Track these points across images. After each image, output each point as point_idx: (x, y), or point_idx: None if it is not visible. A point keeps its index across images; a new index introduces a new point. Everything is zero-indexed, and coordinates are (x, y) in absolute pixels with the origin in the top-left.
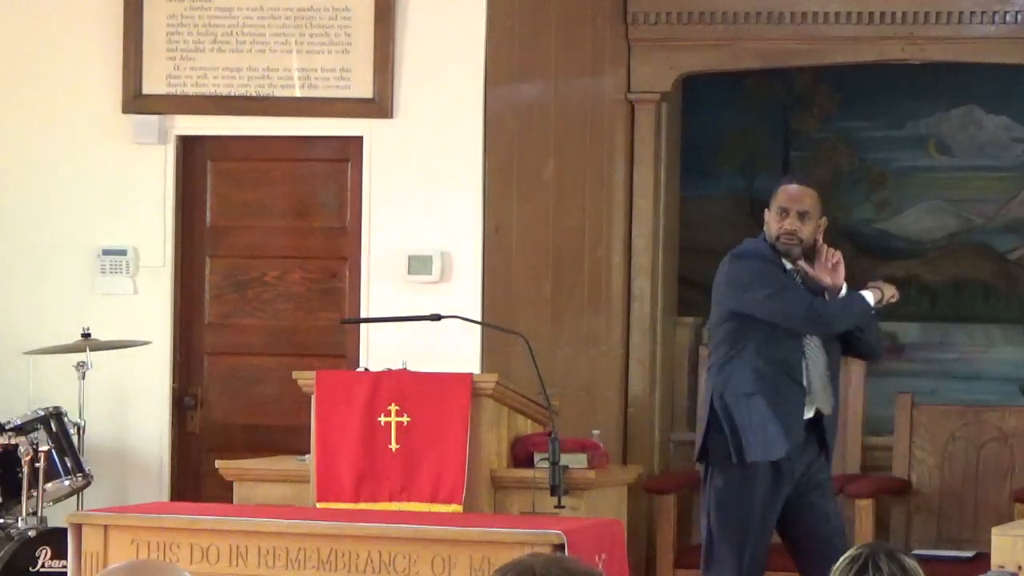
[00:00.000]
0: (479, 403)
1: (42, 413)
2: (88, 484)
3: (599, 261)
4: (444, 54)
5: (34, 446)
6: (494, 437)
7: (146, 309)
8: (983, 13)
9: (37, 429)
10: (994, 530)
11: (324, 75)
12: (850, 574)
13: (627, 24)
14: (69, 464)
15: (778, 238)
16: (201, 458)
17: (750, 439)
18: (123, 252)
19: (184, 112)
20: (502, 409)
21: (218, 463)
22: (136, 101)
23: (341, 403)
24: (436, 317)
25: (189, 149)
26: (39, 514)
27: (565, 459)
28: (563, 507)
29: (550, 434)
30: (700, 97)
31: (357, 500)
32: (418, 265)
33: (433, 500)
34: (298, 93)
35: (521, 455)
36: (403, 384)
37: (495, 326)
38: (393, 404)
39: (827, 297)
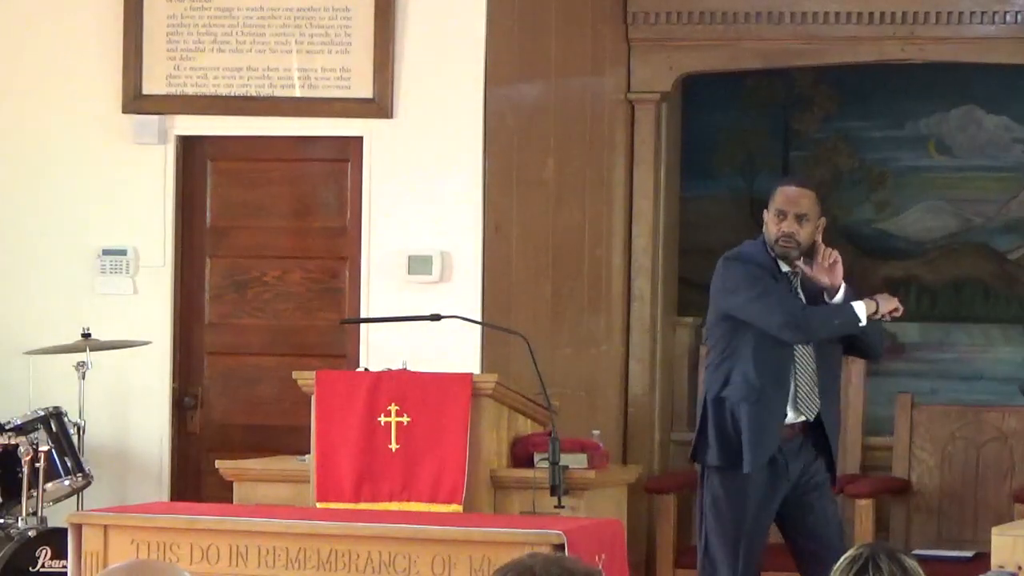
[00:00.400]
0: (479, 403)
1: (42, 413)
2: (88, 484)
3: (599, 261)
4: (444, 54)
5: (34, 446)
6: (494, 437)
7: (146, 309)
8: (983, 13)
9: (37, 429)
10: (994, 530)
11: (324, 75)
12: (850, 574)
13: (627, 24)
14: (69, 464)
15: (777, 241)
16: (201, 458)
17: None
18: (123, 252)
19: (184, 112)
20: (502, 409)
21: (218, 463)
22: (136, 101)
23: (341, 403)
24: (436, 317)
25: (189, 149)
26: (39, 514)
27: (565, 459)
28: (563, 507)
29: (550, 434)
30: (700, 97)
31: (357, 500)
32: (418, 265)
33: (433, 500)
34: (298, 93)
35: (521, 455)
36: (403, 384)
37: (495, 326)
38: (393, 404)
39: (826, 297)
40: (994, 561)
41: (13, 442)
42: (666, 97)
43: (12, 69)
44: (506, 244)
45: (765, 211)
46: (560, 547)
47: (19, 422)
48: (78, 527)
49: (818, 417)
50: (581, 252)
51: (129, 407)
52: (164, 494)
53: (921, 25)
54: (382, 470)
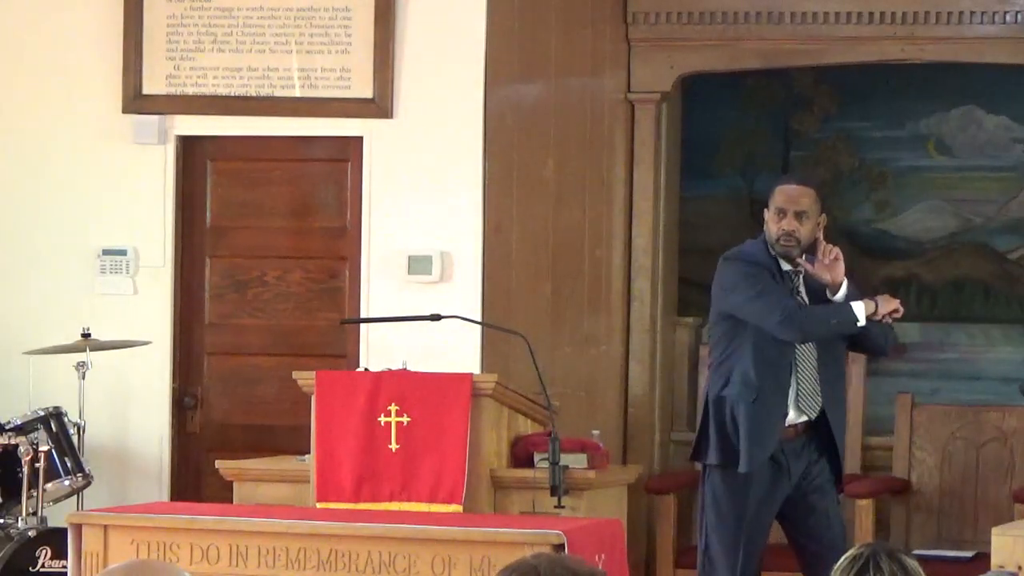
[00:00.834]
0: (479, 403)
1: (42, 413)
2: (88, 484)
3: (599, 261)
4: (444, 54)
5: (34, 446)
6: (494, 437)
7: (146, 309)
8: (983, 13)
9: (37, 429)
10: (994, 530)
11: (324, 75)
12: (851, 574)
13: (627, 24)
14: (69, 464)
15: (777, 240)
16: (201, 458)
17: (730, 444)
18: (123, 252)
19: (184, 112)
20: (502, 409)
21: (218, 463)
22: (136, 101)
23: (341, 403)
24: (436, 317)
25: (189, 149)
26: (39, 514)
27: (565, 459)
28: (563, 507)
29: (550, 434)
30: (700, 97)
31: (357, 500)
32: (418, 265)
33: (433, 500)
34: (298, 93)
35: (521, 455)
36: (403, 384)
37: (495, 326)
38: (393, 404)
39: (828, 294)
40: (994, 561)
41: (13, 442)
42: (666, 97)
43: (12, 69)
44: (506, 244)
45: (765, 210)
46: (560, 547)
47: (19, 422)
48: (78, 527)
49: (822, 416)
50: (581, 252)
51: (129, 407)
52: (164, 494)
53: (921, 25)
54: (382, 470)
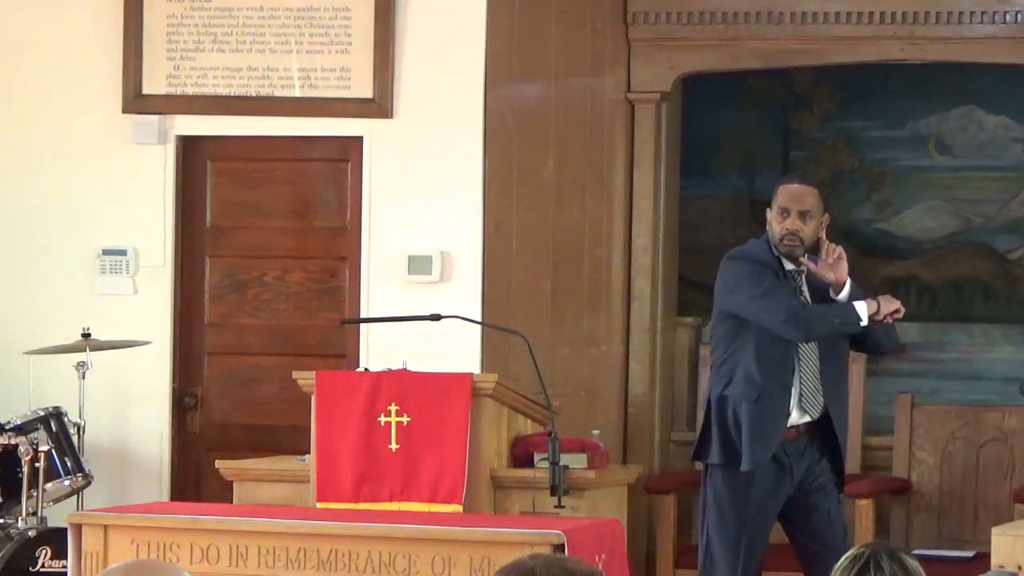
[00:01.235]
0: (479, 403)
1: (42, 413)
2: (88, 484)
3: (599, 261)
4: (444, 54)
5: (34, 446)
6: (494, 437)
7: (146, 309)
8: (983, 13)
9: (37, 429)
10: (994, 530)
11: (324, 75)
12: (852, 573)
13: (627, 24)
14: (69, 464)
15: (781, 239)
16: (201, 458)
17: (732, 444)
18: (123, 252)
19: (184, 112)
20: (502, 409)
21: (218, 463)
22: (136, 101)
23: (341, 403)
24: (436, 317)
25: (189, 149)
26: (39, 514)
27: (565, 459)
28: (563, 507)
29: (550, 434)
30: (700, 97)
31: (357, 500)
32: (418, 265)
33: (433, 500)
34: (298, 93)
35: (521, 455)
36: (403, 384)
37: (495, 326)
38: (393, 404)
39: (831, 293)
40: (994, 561)
41: (13, 442)
42: (666, 97)
43: (12, 69)
44: (506, 244)
45: (768, 209)
46: (560, 547)
47: (19, 422)
48: (78, 527)
49: (824, 417)
50: (581, 252)
51: (129, 407)
52: (164, 494)
53: (921, 25)
54: (382, 470)
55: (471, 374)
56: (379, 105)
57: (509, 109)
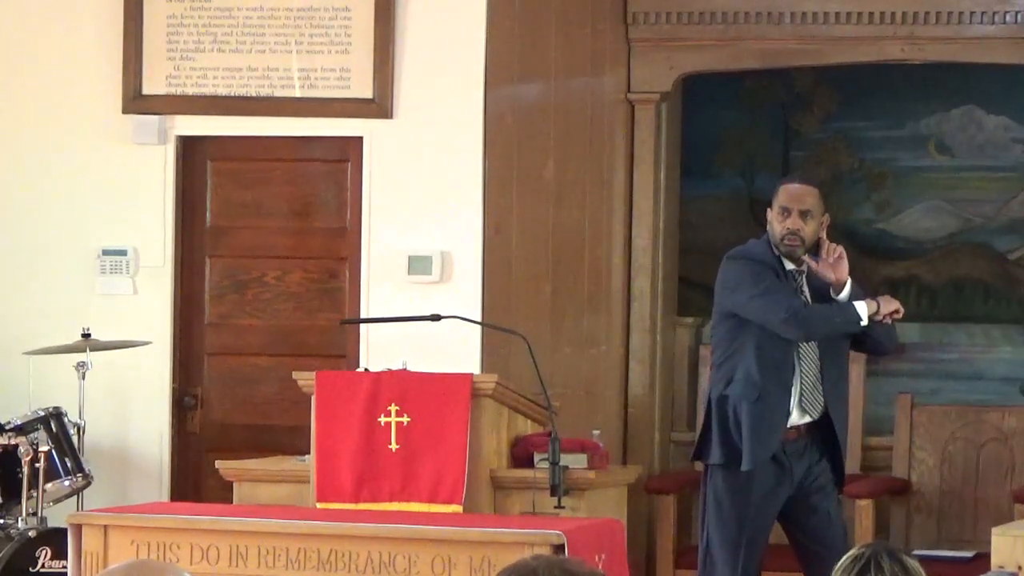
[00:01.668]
0: (479, 403)
1: (42, 413)
2: (88, 484)
3: (599, 261)
4: (444, 54)
5: (34, 446)
6: (494, 437)
7: (146, 309)
8: (983, 13)
9: (37, 429)
10: (994, 530)
11: (324, 75)
12: (852, 573)
13: (627, 24)
14: (69, 464)
15: (782, 239)
16: (201, 458)
17: (732, 443)
18: (123, 252)
19: (184, 112)
20: (502, 409)
21: (218, 463)
22: (136, 101)
23: (341, 403)
24: (436, 317)
25: (189, 149)
26: (39, 514)
27: (565, 459)
28: (563, 507)
29: (550, 434)
30: (700, 97)
31: (357, 500)
32: (418, 265)
33: (433, 500)
34: (298, 93)
35: (521, 455)
36: (403, 384)
37: (495, 326)
38: (393, 404)
39: (832, 292)
40: (994, 561)
41: (13, 442)
42: (666, 97)
43: (12, 70)
44: (506, 244)
45: (769, 209)
46: (560, 547)
47: (19, 422)
48: (78, 527)
49: (824, 417)
50: (581, 252)
51: (129, 407)
52: (164, 494)
53: (921, 25)
54: (382, 470)
55: (471, 374)
56: (379, 105)
57: (509, 109)
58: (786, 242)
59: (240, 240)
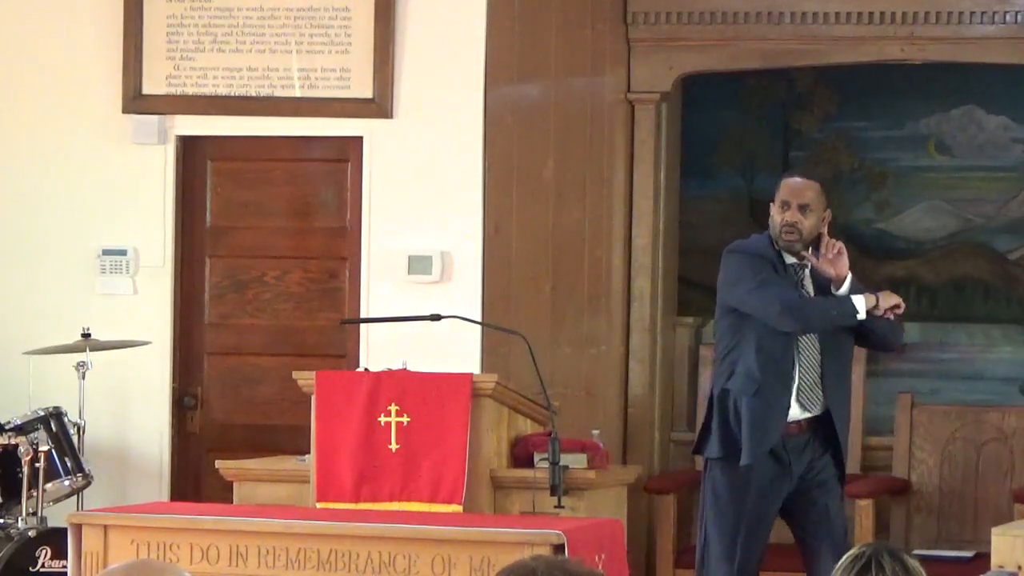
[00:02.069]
0: (479, 403)
1: (42, 413)
2: (88, 484)
3: (599, 261)
4: (444, 54)
5: (34, 446)
6: (494, 437)
7: (146, 309)
8: (983, 13)
9: (37, 429)
10: (994, 530)
11: (324, 75)
12: (852, 572)
13: (627, 24)
14: (69, 464)
15: (781, 232)
16: (201, 458)
17: (732, 438)
18: (123, 252)
19: (184, 112)
20: (502, 409)
21: (218, 463)
22: (136, 101)
23: (341, 403)
24: (436, 317)
25: (189, 149)
26: (39, 514)
27: (565, 459)
28: (563, 507)
29: (550, 434)
30: (700, 97)
31: (357, 500)
32: (418, 265)
33: (433, 500)
34: (298, 93)
35: (521, 455)
36: (403, 384)
37: (495, 326)
38: (393, 404)
39: (832, 288)
40: (994, 561)
41: (13, 442)
42: (666, 97)
43: (12, 70)
44: (506, 244)
45: (771, 204)
46: (560, 547)
47: (19, 422)
48: (78, 527)
49: (827, 413)
50: (581, 252)
51: (129, 407)
52: (164, 494)
53: (921, 25)
54: (382, 470)
55: (471, 374)
56: (379, 105)
57: (509, 109)
58: (784, 235)
59: (240, 240)
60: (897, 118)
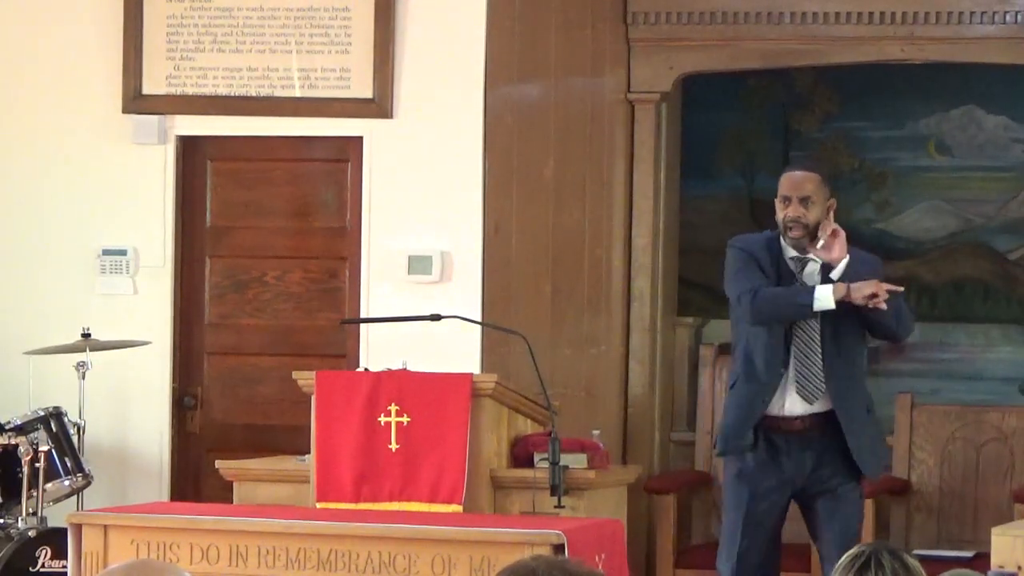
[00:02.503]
0: (479, 403)
1: (42, 413)
2: (88, 484)
3: (599, 261)
4: (444, 54)
5: (34, 446)
6: (494, 437)
7: (146, 309)
8: (983, 13)
9: (37, 429)
10: (994, 530)
11: (324, 75)
12: (852, 571)
13: (627, 24)
14: (69, 464)
15: (785, 228)
16: (201, 458)
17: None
18: (123, 252)
19: (184, 112)
20: (502, 409)
21: (218, 463)
22: (136, 101)
23: (341, 403)
24: (436, 317)
25: (189, 149)
26: (39, 514)
27: (565, 459)
28: (563, 507)
29: (550, 434)
30: (700, 97)
31: (357, 500)
32: (418, 265)
33: (433, 500)
34: (298, 93)
35: (521, 455)
36: (403, 384)
37: (495, 326)
38: (393, 404)
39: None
40: (994, 561)
41: (13, 442)
42: (666, 97)
43: (12, 70)
44: (506, 244)
45: (776, 199)
46: (560, 547)
47: (19, 422)
48: (78, 527)
49: (831, 412)
50: (581, 252)
51: (129, 407)
52: (164, 494)
53: (921, 25)
54: (382, 470)
55: (471, 374)
56: (379, 105)
57: (509, 109)
58: (789, 230)
59: (240, 240)
60: (897, 118)
